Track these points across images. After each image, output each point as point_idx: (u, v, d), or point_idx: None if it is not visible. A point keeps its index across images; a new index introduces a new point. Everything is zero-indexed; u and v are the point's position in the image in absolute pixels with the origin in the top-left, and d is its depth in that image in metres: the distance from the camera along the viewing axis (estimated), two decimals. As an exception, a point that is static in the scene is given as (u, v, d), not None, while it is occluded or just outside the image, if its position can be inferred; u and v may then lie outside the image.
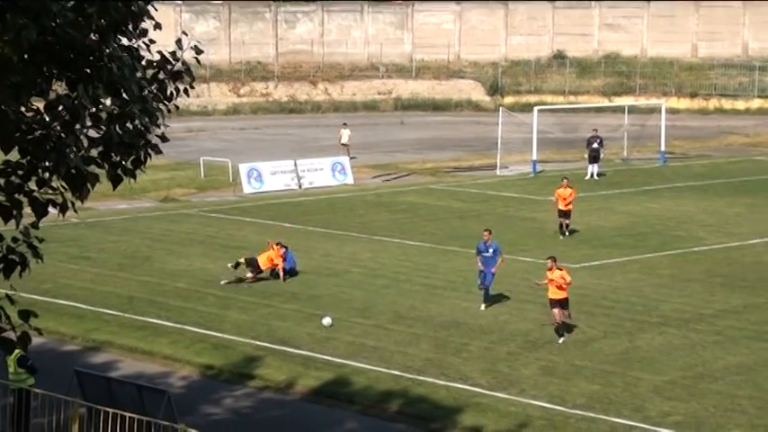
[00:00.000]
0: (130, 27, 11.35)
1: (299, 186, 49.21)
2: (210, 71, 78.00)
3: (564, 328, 25.78)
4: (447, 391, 22.61)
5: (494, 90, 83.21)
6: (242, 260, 31.41)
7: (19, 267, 10.86)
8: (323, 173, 50.41)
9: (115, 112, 11.17)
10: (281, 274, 31.45)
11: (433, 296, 30.00)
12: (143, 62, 11.48)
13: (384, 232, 38.87)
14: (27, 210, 10.80)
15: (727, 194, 46.73)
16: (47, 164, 10.83)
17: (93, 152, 11.09)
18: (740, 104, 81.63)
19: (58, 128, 10.80)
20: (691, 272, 32.72)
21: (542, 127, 55.36)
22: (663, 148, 56.86)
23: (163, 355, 25.28)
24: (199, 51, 11.89)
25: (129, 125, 11.24)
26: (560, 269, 26.08)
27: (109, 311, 28.55)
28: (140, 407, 19.09)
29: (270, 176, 48.98)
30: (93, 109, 11.01)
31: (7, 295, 10.67)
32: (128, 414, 16.29)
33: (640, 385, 22.81)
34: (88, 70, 10.89)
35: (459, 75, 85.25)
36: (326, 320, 23.98)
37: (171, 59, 11.54)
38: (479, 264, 28.59)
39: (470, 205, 44.73)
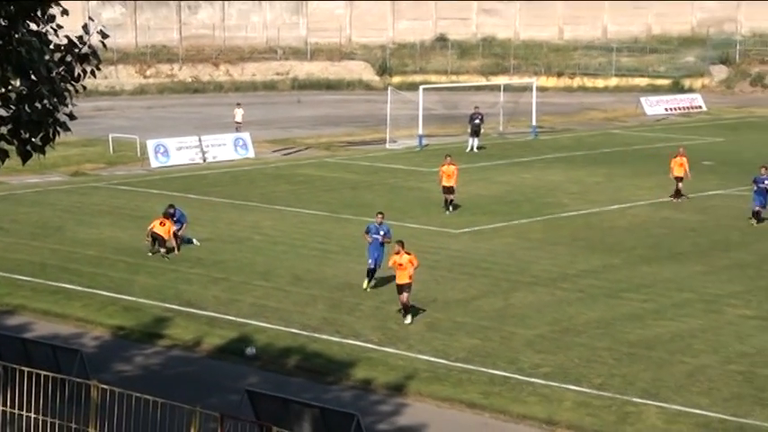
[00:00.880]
0: (39, 13, 11.10)
1: (204, 160, 48.66)
2: (117, 54, 76.64)
3: (411, 310, 24.19)
4: (341, 347, 22.67)
5: (382, 70, 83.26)
6: (148, 240, 30.61)
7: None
8: (226, 148, 49.92)
9: (24, 92, 10.94)
10: (176, 243, 30.60)
11: (327, 260, 29.99)
12: (51, 46, 11.25)
13: (283, 202, 38.69)
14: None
15: (589, 165, 47.55)
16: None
17: (3, 130, 10.84)
18: (600, 82, 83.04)
19: (-31, 107, 10.52)
20: (557, 236, 33.25)
21: (427, 104, 55.56)
22: (534, 123, 57.55)
23: (75, 318, 24.86)
24: (104, 36, 11.71)
25: (37, 104, 11.02)
26: (408, 253, 24.15)
27: (22, 277, 27.93)
28: (55, 366, 18.77)
29: (176, 152, 48.34)
30: (3, 89, 10.76)
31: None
32: (42, 372, 16.01)
33: (514, 339, 23.15)
34: (-2, 53, 10.62)
35: (350, 57, 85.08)
36: (250, 350, 21.96)
37: (78, 43, 11.34)
38: (369, 242, 26.80)
39: (362, 177, 44.77)
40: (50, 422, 15.76)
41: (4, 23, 10.70)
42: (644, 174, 44.90)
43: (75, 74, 11.46)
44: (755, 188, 35.01)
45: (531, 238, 32.96)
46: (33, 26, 11.17)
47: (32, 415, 15.77)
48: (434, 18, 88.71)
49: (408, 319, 23.97)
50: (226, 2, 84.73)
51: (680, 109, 69.52)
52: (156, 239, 30.48)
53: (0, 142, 10.71)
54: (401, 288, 24.03)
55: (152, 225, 30.61)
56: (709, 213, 36.82)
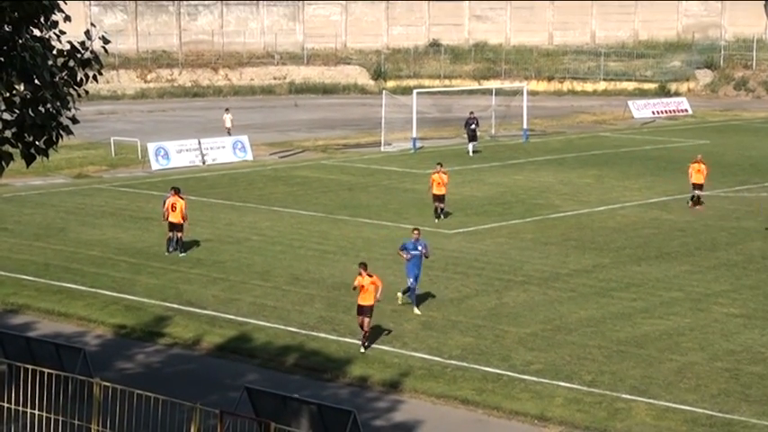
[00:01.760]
0: (42, 19, 11.05)
1: (203, 163, 48.58)
2: (119, 59, 76.73)
3: (369, 339, 22.19)
4: (338, 345, 22.59)
5: (377, 75, 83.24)
6: (170, 235, 30.41)
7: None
8: (225, 150, 49.84)
9: (28, 96, 10.88)
10: (178, 237, 30.33)
11: (325, 260, 29.91)
12: (54, 51, 11.19)
13: (281, 203, 38.60)
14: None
15: (579, 167, 47.51)
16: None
17: (8, 133, 10.77)
18: (589, 86, 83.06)
19: (-26, 112, 10.45)
20: (549, 236, 33.19)
21: (421, 108, 55.55)
22: (525, 126, 57.52)
23: (78, 317, 24.76)
24: (106, 41, 11.67)
25: (41, 108, 10.96)
26: (371, 275, 22.21)
27: (26, 277, 27.83)
28: (58, 364, 18.69)
29: (176, 154, 48.27)
30: (7, 94, 10.70)
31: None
32: (46, 370, 15.94)
33: (507, 337, 23.09)
34: (2, 59, 10.56)
35: (346, 61, 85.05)
36: None
37: (80, 48, 11.28)
38: (407, 259, 24.86)
39: (358, 178, 44.70)
40: (54, 419, 15.68)
41: (8, 29, 10.64)
42: (633, 175, 44.88)
43: (78, 78, 11.42)
44: None
45: (523, 238, 32.91)
46: (37, 32, 11.12)
47: (36, 412, 15.69)
48: (428, 24, 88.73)
49: (363, 349, 21.92)
50: (225, 8, 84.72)
51: (666, 112, 69.56)
52: (171, 238, 30.14)
53: (4, 145, 10.65)
54: (363, 310, 22.00)
55: (166, 211, 30.28)
56: (696, 214, 36.79)
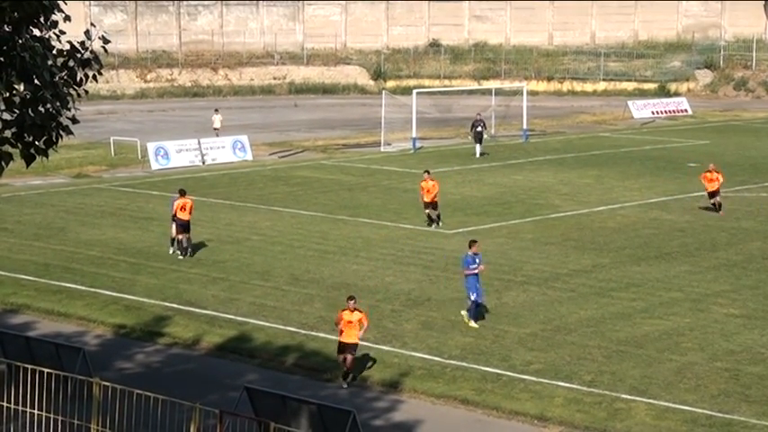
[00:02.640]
0: (42, 19, 11.03)
1: (203, 163, 48.57)
2: (119, 59, 76.72)
3: (350, 375, 20.51)
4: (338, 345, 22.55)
5: (377, 75, 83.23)
6: (173, 235, 30.30)
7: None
8: (224, 150, 49.83)
9: (28, 96, 10.87)
10: (181, 239, 30.09)
11: (324, 260, 29.90)
12: (54, 51, 11.19)
13: (280, 203, 38.59)
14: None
15: (579, 167, 47.49)
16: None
17: (8, 133, 10.77)
18: (588, 87, 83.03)
19: (-26, 112, 10.45)
20: (549, 236, 33.18)
21: (421, 108, 55.54)
22: (525, 126, 57.50)
23: (78, 317, 24.76)
24: (106, 41, 11.67)
25: (41, 108, 10.96)
26: (360, 311, 20.74)
27: (26, 277, 27.82)
28: (58, 363, 18.68)
29: (176, 154, 48.26)
30: (7, 94, 10.69)
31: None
32: (46, 369, 15.94)
33: (507, 337, 23.08)
34: (2, 59, 10.55)
35: (345, 61, 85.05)
36: None
37: (80, 48, 11.27)
38: (468, 278, 23.72)
39: (358, 178, 44.69)
40: (53, 419, 15.67)
41: (8, 29, 10.63)
42: (633, 175, 44.88)
43: (78, 78, 11.41)
44: None
45: (523, 238, 32.90)
46: (36, 32, 11.11)
47: (36, 411, 15.68)
48: (427, 24, 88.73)
49: (345, 384, 20.17)
50: (224, 8, 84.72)
51: (666, 112, 69.55)
52: (179, 240, 29.94)
53: (4, 145, 10.65)
54: (346, 347, 20.33)
55: (175, 213, 30.12)
56: (696, 214, 36.79)
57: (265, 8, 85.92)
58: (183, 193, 30.77)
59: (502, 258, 30.21)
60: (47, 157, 11.15)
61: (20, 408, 15.82)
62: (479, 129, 50.47)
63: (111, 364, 21.32)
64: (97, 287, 26.95)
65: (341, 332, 20.51)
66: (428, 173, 34.80)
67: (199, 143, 49.33)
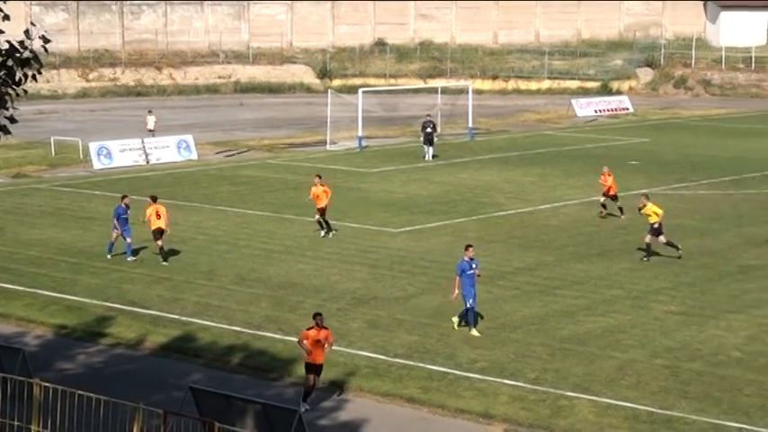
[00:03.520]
0: (-21, 18, 10.86)
1: (147, 162, 48.16)
2: (60, 59, 75.80)
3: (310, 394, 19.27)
4: (284, 344, 22.53)
5: (323, 74, 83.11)
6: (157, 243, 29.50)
7: None
8: (169, 150, 49.45)
9: (-36, 96, 10.68)
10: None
11: (270, 259, 29.82)
12: (-8, 50, 11.02)
13: (226, 203, 38.41)
14: None
15: (523, 165, 47.85)
16: None
17: (-56, 134, 10.59)
18: (533, 85, 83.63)
19: None
20: (493, 234, 33.38)
21: (366, 107, 55.56)
22: (470, 125, 57.80)
23: (17, 317, 24.44)
24: (46, 40, 11.53)
25: (-22, 108, 10.78)
26: (326, 328, 19.39)
27: (-35, 279, 27.37)
28: (-2, 366, 18.41)
29: (119, 153, 47.80)
30: (-56, 94, 10.50)
31: None
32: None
33: (452, 336, 23.17)
34: (-62, 58, 10.36)
35: (291, 60, 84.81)
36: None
37: (19, 48, 11.12)
38: (458, 286, 23.18)
39: (304, 177, 44.48)
40: (-6, 422, 15.46)
41: (-56, 28, 10.46)
42: (576, 174, 45.32)
43: (17, 78, 11.25)
44: None
45: (468, 236, 32.95)
46: (-26, 31, 10.94)
47: (-25, 415, 15.45)
48: (373, 23, 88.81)
49: (304, 408, 18.54)
50: (168, 7, 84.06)
51: (609, 111, 70.33)
52: (161, 247, 29.20)
53: (-59, 145, 10.48)
54: (314, 368, 19.06)
55: (149, 219, 29.34)
56: (636, 212, 37.16)
57: (210, 7, 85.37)
58: (154, 200, 30.24)
59: (447, 257, 30.30)
60: (-16, 157, 10.98)
61: (-41, 411, 15.59)
62: (429, 130, 48.85)
63: (52, 365, 21.06)
64: (37, 287, 26.61)
65: (309, 353, 18.91)
66: (319, 177, 33.01)
67: (142, 143, 48.92)
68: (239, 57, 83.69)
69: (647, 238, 30.14)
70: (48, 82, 72.19)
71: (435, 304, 25.49)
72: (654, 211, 30.32)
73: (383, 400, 19.72)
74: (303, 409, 18.27)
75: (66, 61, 77.72)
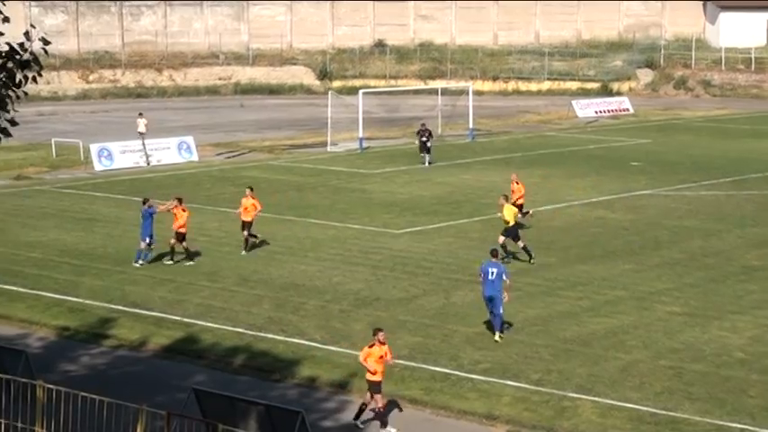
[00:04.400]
0: (-20, 20, 10.81)
1: (148, 164, 48.11)
2: (60, 60, 75.81)
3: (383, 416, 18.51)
4: (286, 345, 22.50)
5: (323, 75, 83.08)
6: (172, 241, 29.21)
7: None
8: (170, 151, 49.41)
9: (-35, 98, 10.64)
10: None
11: (273, 261, 29.77)
12: (-7, 52, 10.97)
13: (228, 204, 38.30)
14: None
15: (525, 166, 47.70)
16: None
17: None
18: (533, 86, 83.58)
19: None
20: (496, 235, 33.21)
21: (367, 108, 55.53)
22: (471, 126, 57.76)
23: (20, 319, 24.39)
24: (46, 42, 11.47)
25: (-22, 111, 10.73)
26: (385, 343, 18.54)
27: (-33, 281, 27.32)
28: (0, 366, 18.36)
29: (120, 155, 47.76)
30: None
31: None
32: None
33: (455, 337, 23.13)
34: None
35: (291, 62, 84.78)
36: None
37: (19, 50, 11.07)
38: (482, 283, 22.95)
39: (306, 179, 44.57)
40: (-3, 424, 15.41)
41: (-54, 29, 10.40)
42: (578, 174, 45.27)
43: (17, 80, 11.19)
44: None
45: (471, 237, 33.02)
46: (-25, 33, 10.88)
47: (-22, 417, 15.41)
48: (373, 24, 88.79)
49: (361, 424, 18.38)
50: (168, 8, 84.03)
51: (609, 111, 70.30)
52: (176, 243, 29.03)
53: (-56, 147, 10.41)
54: (376, 386, 18.18)
55: (176, 218, 29.17)
56: (639, 213, 37.20)
57: (210, 8, 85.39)
58: (180, 201, 29.88)
59: (450, 258, 30.30)
60: (-15, 158, 10.93)
61: (-38, 413, 15.54)
62: (424, 139, 47.47)
63: (55, 367, 21.02)
64: (39, 289, 26.56)
65: (374, 371, 18.05)
66: (251, 189, 31.65)
67: (143, 144, 48.87)
68: (239, 58, 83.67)
69: (501, 239, 29.20)
70: (48, 84, 72.22)
71: (438, 305, 25.44)
72: (513, 213, 29.70)
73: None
74: (360, 425, 18.28)
75: (67, 63, 77.73)
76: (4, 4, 11.45)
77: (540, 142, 56.55)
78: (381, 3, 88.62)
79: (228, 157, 50.82)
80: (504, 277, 22.85)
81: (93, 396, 14.60)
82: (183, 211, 29.68)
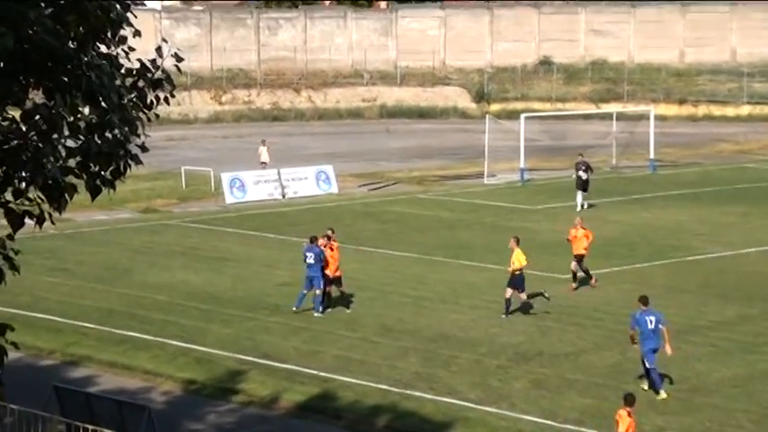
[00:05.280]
0: (109, 35, 11.18)
1: (283, 196, 49.02)
2: (191, 79, 77.95)
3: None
4: (435, 405, 22.43)
5: (480, 97, 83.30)
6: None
7: (-5, 279, 10.69)
8: (307, 182, 50.25)
9: (94, 121, 11.01)
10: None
11: (420, 308, 29.82)
12: (122, 70, 11.32)
13: (371, 242, 38.68)
14: (2, 221, 10.61)
15: (720, 203, 46.68)
16: (23, 174, 10.67)
17: (72, 162, 10.93)
18: (730, 111, 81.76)
19: (35, 138, 10.64)
20: (684, 282, 32.60)
21: (530, 134, 55.33)
22: (652, 156, 56.86)
23: (143, 370, 25.05)
24: (179, 59, 11.76)
25: (108, 135, 11.09)
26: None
27: (87, 325, 28.28)
28: (120, 423, 18.89)
29: (253, 186, 48.80)
30: (72, 118, 10.85)
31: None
32: (107, 431, 16.12)
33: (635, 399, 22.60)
34: (66, 79, 10.71)
35: (444, 81, 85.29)
36: None
37: (151, 67, 11.38)
38: (637, 339, 22.97)
39: (459, 215, 44.60)
40: (115, 485, 15.81)
41: (72, 46, 10.80)
42: (783, 213, 43.93)
43: (148, 101, 11.49)
44: None
45: (652, 284, 32.31)
46: (104, 48, 11.24)
47: (96, 477, 15.84)
48: (537, 39, 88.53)
49: None
50: (308, 21, 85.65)
51: (824, 140, 68.06)
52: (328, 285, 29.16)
53: (68, 176, 10.80)
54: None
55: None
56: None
57: (354, 21, 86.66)
58: (329, 237, 29.72)
59: (626, 307, 29.57)
60: (114, 188, 11.27)
61: (78, 471, 16.00)
62: (581, 173, 45.16)
63: (180, 425, 21.49)
64: (165, 336, 27.26)
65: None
66: (332, 231, 30.77)
67: (279, 174, 49.80)
68: (386, 77, 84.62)
69: (508, 293, 28.46)
70: (178, 105, 73.74)
71: (612, 361, 24.99)
72: (518, 258, 28.64)
73: (552, 473, 19.36)
74: None
75: (198, 81, 79.87)
76: (135, 17, 11.81)
77: (737, 176, 55.16)
78: (548, 15, 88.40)
79: (372, 190, 51.35)
80: (661, 326, 22.75)
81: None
82: (332, 249, 29.72)
